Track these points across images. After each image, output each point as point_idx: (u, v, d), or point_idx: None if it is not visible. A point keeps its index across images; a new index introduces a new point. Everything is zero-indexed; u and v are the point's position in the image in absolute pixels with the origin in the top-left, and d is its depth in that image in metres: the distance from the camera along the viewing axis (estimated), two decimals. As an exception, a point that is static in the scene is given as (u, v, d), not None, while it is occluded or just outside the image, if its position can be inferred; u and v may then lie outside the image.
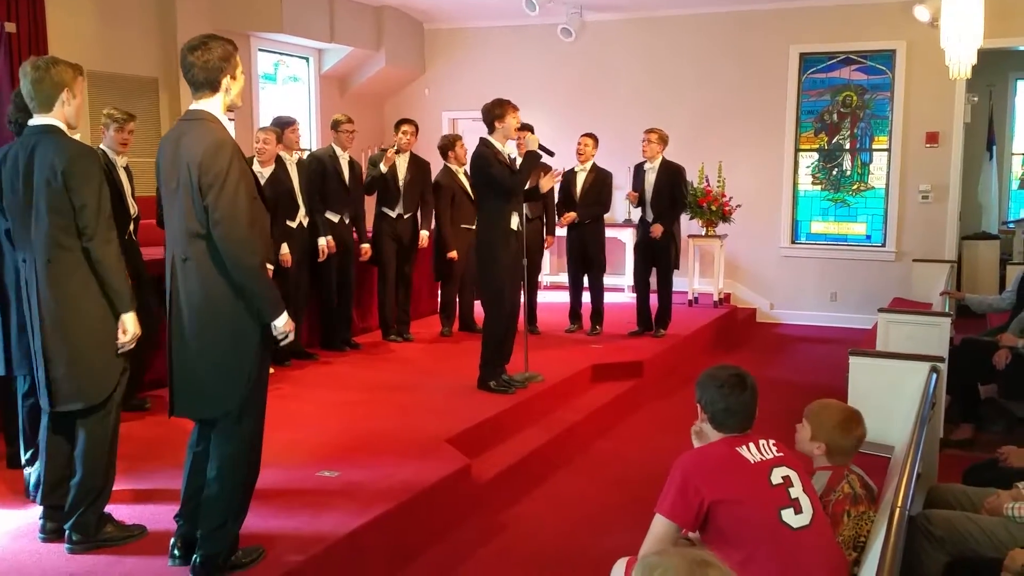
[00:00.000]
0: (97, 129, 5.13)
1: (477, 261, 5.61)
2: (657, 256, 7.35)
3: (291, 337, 3.07)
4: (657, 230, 7.22)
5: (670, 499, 2.46)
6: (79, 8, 7.14)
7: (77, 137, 3.36)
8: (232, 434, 3.03)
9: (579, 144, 7.37)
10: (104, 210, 3.19)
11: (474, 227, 6.83)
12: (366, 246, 6.81)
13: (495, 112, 5.37)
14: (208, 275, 2.92)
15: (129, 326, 3.26)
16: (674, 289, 7.64)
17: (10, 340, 3.58)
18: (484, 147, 5.37)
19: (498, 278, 5.35)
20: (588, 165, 7.34)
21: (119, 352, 3.28)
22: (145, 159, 6.74)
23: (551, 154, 5.70)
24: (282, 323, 3.00)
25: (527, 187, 5.64)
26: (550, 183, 5.84)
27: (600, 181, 7.32)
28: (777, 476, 2.49)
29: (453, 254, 7.08)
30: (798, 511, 2.45)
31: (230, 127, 3.06)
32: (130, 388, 4.91)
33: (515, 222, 5.44)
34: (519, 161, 5.78)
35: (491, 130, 5.42)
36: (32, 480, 3.76)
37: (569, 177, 7.36)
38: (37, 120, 3.23)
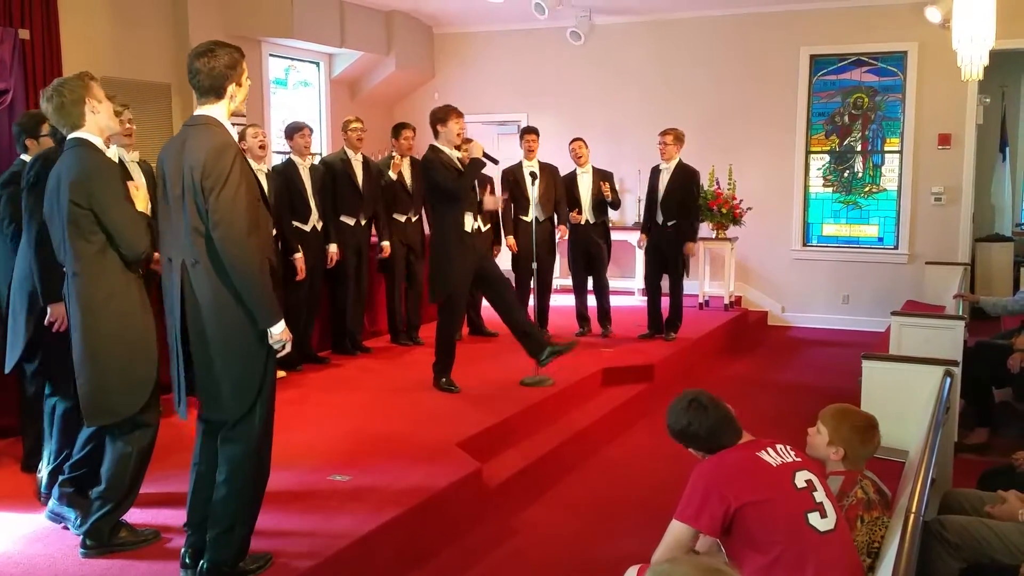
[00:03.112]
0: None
1: (429, 264, 5.65)
2: (668, 260, 7.33)
3: (288, 348, 3.05)
4: (690, 249, 7.30)
5: (694, 506, 2.45)
6: (92, 15, 7.18)
7: (110, 153, 3.38)
8: (240, 438, 3.04)
9: (574, 148, 7.40)
10: (135, 216, 3.27)
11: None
12: (386, 243, 6.82)
13: (438, 117, 5.44)
14: (217, 278, 2.94)
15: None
16: (685, 292, 7.63)
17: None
18: (431, 153, 5.45)
19: (450, 282, 5.40)
20: (588, 167, 7.37)
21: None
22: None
23: (495, 162, 5.74)
24: (278, 331, 2.99)
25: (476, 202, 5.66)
26: (493, 205, 5.88)
27: (604, 181, 7.36)
28: (800, 480, 2.48)
29: None
30: (823, 515, 2.44)
31: (233, 132, 3.07)
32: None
33: (469, 224, 5.48)
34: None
35: (435, 135, 5.48)
36: (45, 483, 3.78)
37: (570, 180, 7.38)
38: (71, 135, 3.27)
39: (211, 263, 2.93)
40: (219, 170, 2.87)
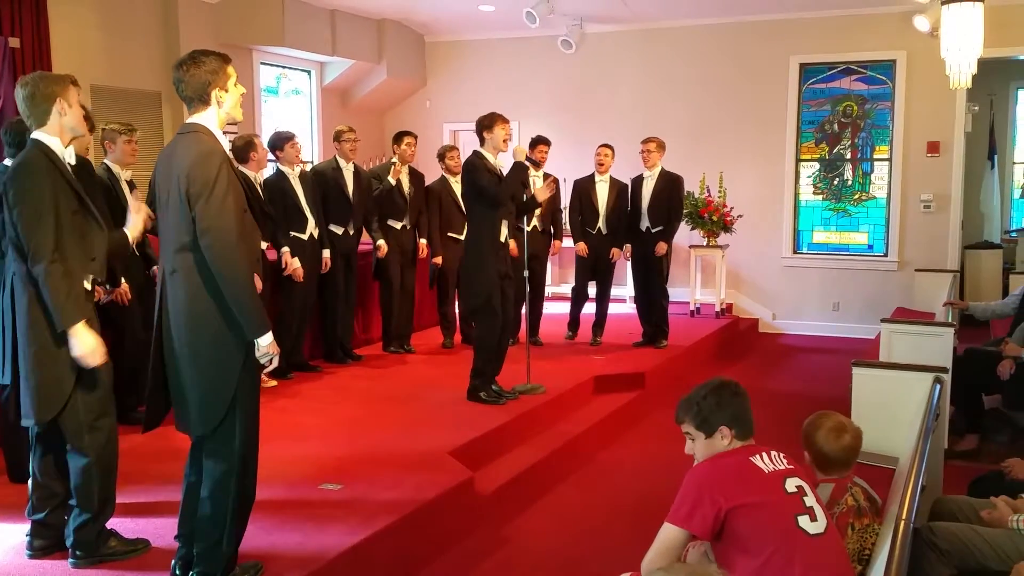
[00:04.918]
0: (98, 145, 5.14)
1: (463, 270, 5.62)
2: (649, 268, 7.35)
3: (275, 362, 3.01)
4: (661, 248, 7.26)
5: (686, 509, 2.46)
6: (83, 22, 7.17)
7: (67, 155, 3.28)
8: (221, 452, 2.99)
9: (599, 153, 7.37)
10: (41, 227, 3.06)
11: (461, 237, 7.03)
12: (381, 242, 6.85)
13: (484, 123, 5.46)
14: (194, 289, 2.89)
15: (76, 346, 3.09)
16: (676, 299, 7.64)
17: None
18: (475, 158, 5.45)
19: (485, 288, 5.37)
20: (607, 176, 7.36)
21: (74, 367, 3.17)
22: (149, 173, 6.76)
23: (537, 165, 5.79)
24: (266, 343, 2.93)
25: (523, 199, 5.74)
26: (546, 192, 5.85)
27: (622, 195, 7.38)
28: (791, 485, 2.49)
29: (438, 260, 7.18)
30: (813, 519, 2.45)
31: (224, 140, 3.04)
32: (131, 402, 4.95)
33: (504, 233, 5.48)
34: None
35: (481, 142, 5.49)
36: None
37: (587, 186, 7.37)
38: (32, 135, 3.23)
39: (189, 273, 2.89)
40: (205, 177, 2.83)
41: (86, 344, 3.10)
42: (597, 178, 7.37)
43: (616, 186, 7.35)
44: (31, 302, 3.15)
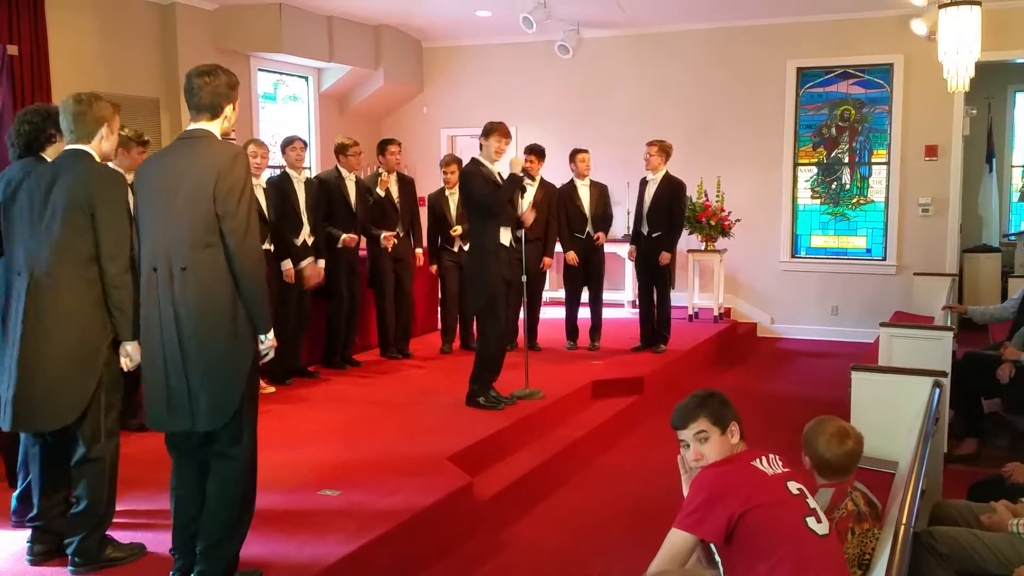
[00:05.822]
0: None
1: (466, 275, 5.67)
2: (654, 272, 7.36)
3: (271, 355, 3.14)
4: (664, 259, 7.27)
5: (697, 515, 2.45)
6: (81, 30, 7.17)
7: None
8: (230, 448, 3.04)
9: (579, 160, 7.39)
10: (127, 235, 3.27)
11: (452, 248, 7.14)
12: (383, 233, 6.86)
13: (484, 131, 5.53)
14: (209, 284, 2.96)
15: (134, 355, 3.25)
16: (674, 304, 7.64)
17: None
18: (472, 165, 5.50)
19: (487, 288, 5.38)
20: (587, 180, 7.37)
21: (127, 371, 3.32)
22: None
23: (532, 179, 5.87)
24: (270, 337, 3.09)
25: (513, 216, 5.72)
26: (532, 215, 5.96)
27: (603, 195, 7.39)
28: (793, 488, 2.50)
29: (433, 268, 7.27)
30: (819, 520, 2.46)
31: None
32: (128, 410, 4.94)
33: (506, 238, 5.50)
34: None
35: (481, 148, 5.54)
36: (14, 503, 3.73)
37: (570, 192, 7.37)
38: (72, 146, 3.31)
39: (206, 269, 2.95)
40: (235, 178, 2.96)
41: (139, 355, 3.24)
42: (578, 183, 7.39)
43: (597, 188, 7.37)
44: (77, 305, 3.18)
